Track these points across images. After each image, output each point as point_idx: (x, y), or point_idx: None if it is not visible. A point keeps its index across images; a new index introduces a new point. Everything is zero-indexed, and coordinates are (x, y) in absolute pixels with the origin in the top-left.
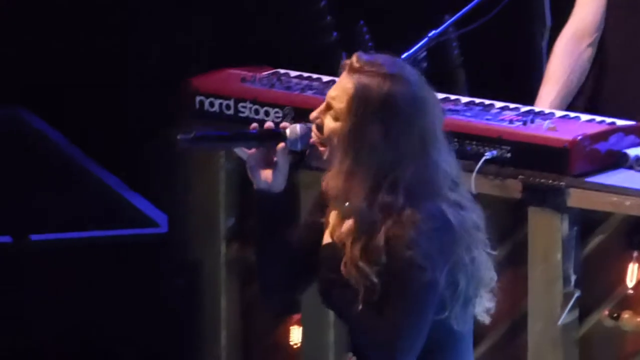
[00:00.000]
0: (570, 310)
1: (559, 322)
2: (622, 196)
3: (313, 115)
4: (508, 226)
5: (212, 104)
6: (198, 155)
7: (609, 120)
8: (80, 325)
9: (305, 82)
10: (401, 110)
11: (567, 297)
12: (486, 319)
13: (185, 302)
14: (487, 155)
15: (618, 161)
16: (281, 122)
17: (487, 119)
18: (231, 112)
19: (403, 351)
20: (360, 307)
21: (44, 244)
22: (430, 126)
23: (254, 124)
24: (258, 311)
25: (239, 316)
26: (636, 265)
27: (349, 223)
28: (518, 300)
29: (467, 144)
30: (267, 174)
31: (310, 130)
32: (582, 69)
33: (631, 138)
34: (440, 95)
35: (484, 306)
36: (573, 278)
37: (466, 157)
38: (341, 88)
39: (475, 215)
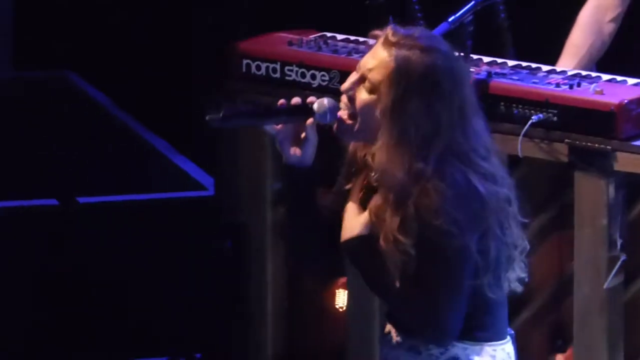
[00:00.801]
0: (616, 274)
1: (605, 286)
2: None
3: (345, 86)
4: (554, 190)
5: (258, 67)
6: None
7: None
8: (126, 288)
9: (352, 45)
10: (441, 84)
11: (612, 261)
12: (519, 288)
13: (232, 265)
14: (534, 118)
15: None
16: (324, 90)
17: (534, 83)
18: (277, 75)
19: (449, 323)
20: (398, 284)
21: (91, 207)
22: (467, 98)
23: (282, 100)
24: (304, 275)
25: (285, 280)
26: None
27: (387, 196)
28: (564, 263)
29: (513, 107)
30: (296, 149)
31: (337, 103)
32: (602, 43)
33: None
34: (487, 59)
35: (517, 275)
36: (619, 242)
37: (513, 121)
38: (379, 60)
39: (506, 188)
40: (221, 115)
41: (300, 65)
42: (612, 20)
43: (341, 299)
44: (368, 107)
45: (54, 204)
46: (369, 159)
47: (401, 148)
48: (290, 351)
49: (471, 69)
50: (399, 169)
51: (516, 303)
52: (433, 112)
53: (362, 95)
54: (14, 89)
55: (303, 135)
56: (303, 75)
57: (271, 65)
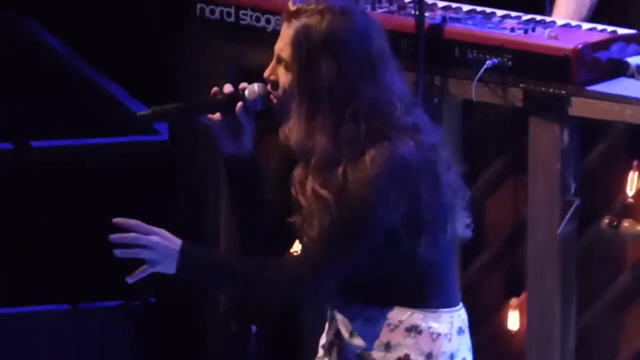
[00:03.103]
0: (569, 219)
1: (558, 231)
2: (623, 105)
3: (266, 73)
4: (509, 135)
5: (212, 12)
6: (200, 62)
7: (610, 29)
8: (80, 232)
9: None
10: (345, 40)
11: (566, 206)
12: (468, 234)
13: (185, 214)
14: (489, 63)
15: (619, 70)
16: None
17: (489, 27)
18: (232, 19)
19: (321, 279)
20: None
21: (45, 151)
22: (376, 49)
23: (215, 88)
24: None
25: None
26: (636, 173)
27: (308, 164)
28: (519, 208)
29: (468, 52)
30: (234, 138)
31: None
32: None
33: (633, 47)
34: (442, 4)
35: (463, 222)
36: (573, 187)
37: (467, 66)
38: (284, 37)
39: (432, 136)
40: (150, 112)
41: (254, 10)
42: None
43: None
44: (288, 84)
45: (8, 147)
46: (286, 136)
47: (318, 115)
48: (243, 298)
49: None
50: (320, 135)
51: (471, 248)
52: (343, 70)
53: (282, 76)
54: None
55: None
56: (258, 20)
57: (225, 10)
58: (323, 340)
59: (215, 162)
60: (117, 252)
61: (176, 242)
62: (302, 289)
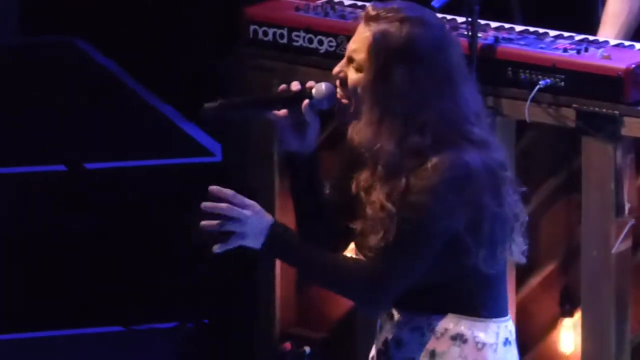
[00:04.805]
0: (624, 239)
1: (613, 251)
2: None
3: (335, 70)
4: (562, 155)
5: (265, 33)
6: (252, 84)
7: None
8: (135, 254)
9: (359, 10)
10: (423, 52)
11: (621, 225)
12: (522, 260)
13: None
14: (541, 83)
15: None
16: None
17: (541, 48)
18: (284, 41)
19: (386, 290)
20: (374, 243)
21: (98, 173)
22: (454, 63)
23: (283, 85)
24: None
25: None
26: None
27: (376, 169)
28: (572, 228)
29: (521, 72)
30: (297, 136)
31: (336, 88)
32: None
33: None
34: (494, 24)
35: (519, 248)
36: (627, 206)
37: (520, 86)
38: (360, 39)
39: (499, 153)
40: (217, 104)
41: (307, 31)
42: None
43: None
44: (358, 86)
45: (62, 169)
46: (354, 137)
47: (387, 121)
48: (298, 317)
49: (457, 35)
50: (387, 142)
51: (525, 268)
52: (418, 81)
53: (352, 76)
54: (22, 55)
55: (304, 120)
56: (310, 41)
57: (278, 31)
58: (372, 352)
59: (267, 177)
60: (203, 224)
61: (267, 219)
62: (367, 297)
